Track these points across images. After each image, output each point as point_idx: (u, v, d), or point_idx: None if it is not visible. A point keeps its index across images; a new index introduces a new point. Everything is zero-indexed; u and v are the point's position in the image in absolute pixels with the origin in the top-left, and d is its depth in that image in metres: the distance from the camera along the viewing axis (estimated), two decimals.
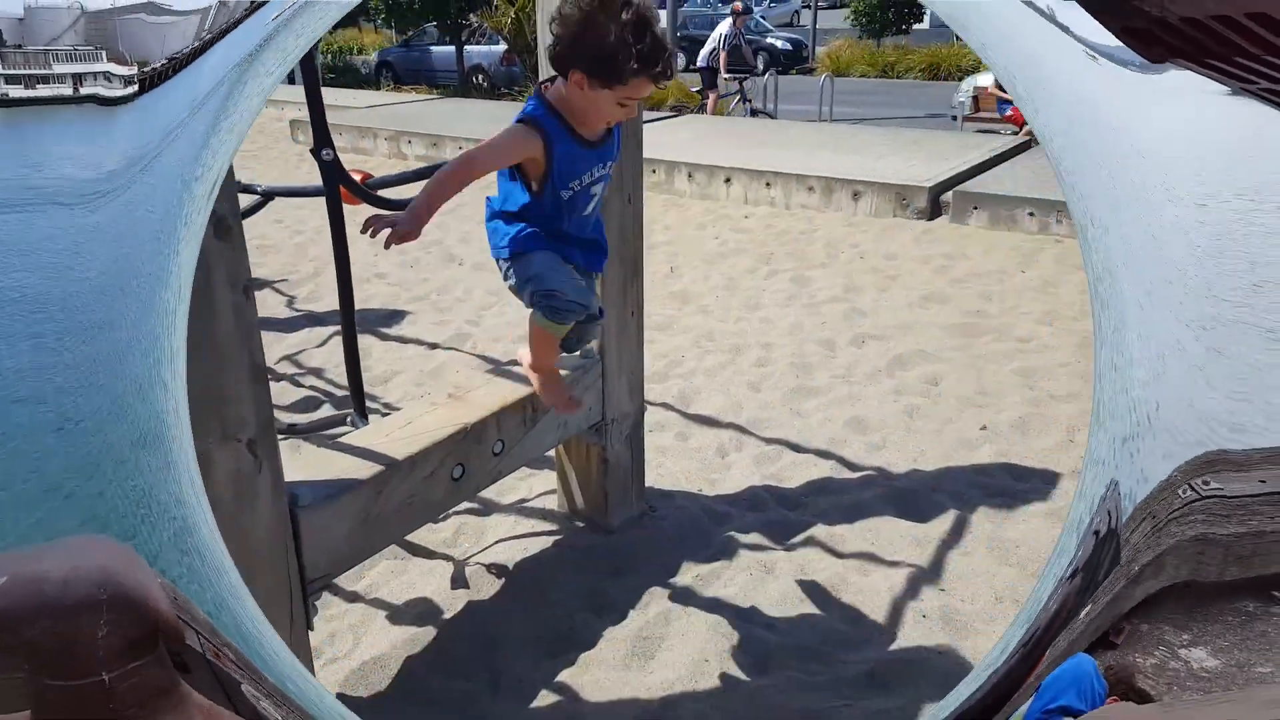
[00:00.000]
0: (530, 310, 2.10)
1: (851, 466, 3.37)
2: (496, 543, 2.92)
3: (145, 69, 1.41)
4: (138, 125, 1.44)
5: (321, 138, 2.51)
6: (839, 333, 4.53)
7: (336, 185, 2.59)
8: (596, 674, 2.36)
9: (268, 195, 3.27)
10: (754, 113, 10.82)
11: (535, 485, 3.27)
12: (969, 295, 4.95)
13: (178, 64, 1.43)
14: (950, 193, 6.31)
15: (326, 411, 3.73)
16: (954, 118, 10.06)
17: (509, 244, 1.99)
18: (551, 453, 3.24)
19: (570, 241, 2.04)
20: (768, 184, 6.79)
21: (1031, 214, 5.94)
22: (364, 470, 2.19)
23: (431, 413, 2.47)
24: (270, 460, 1.89)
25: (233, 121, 1.56)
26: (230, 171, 1.66)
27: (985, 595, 2.64)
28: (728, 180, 6.95)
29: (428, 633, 2.52)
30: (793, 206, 6.69)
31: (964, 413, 3.72)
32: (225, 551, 1.43)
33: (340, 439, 2.35)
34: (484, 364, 4.24)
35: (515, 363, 2.55)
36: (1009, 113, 9.02)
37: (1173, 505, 1.21)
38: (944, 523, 3.00)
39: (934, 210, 6.35)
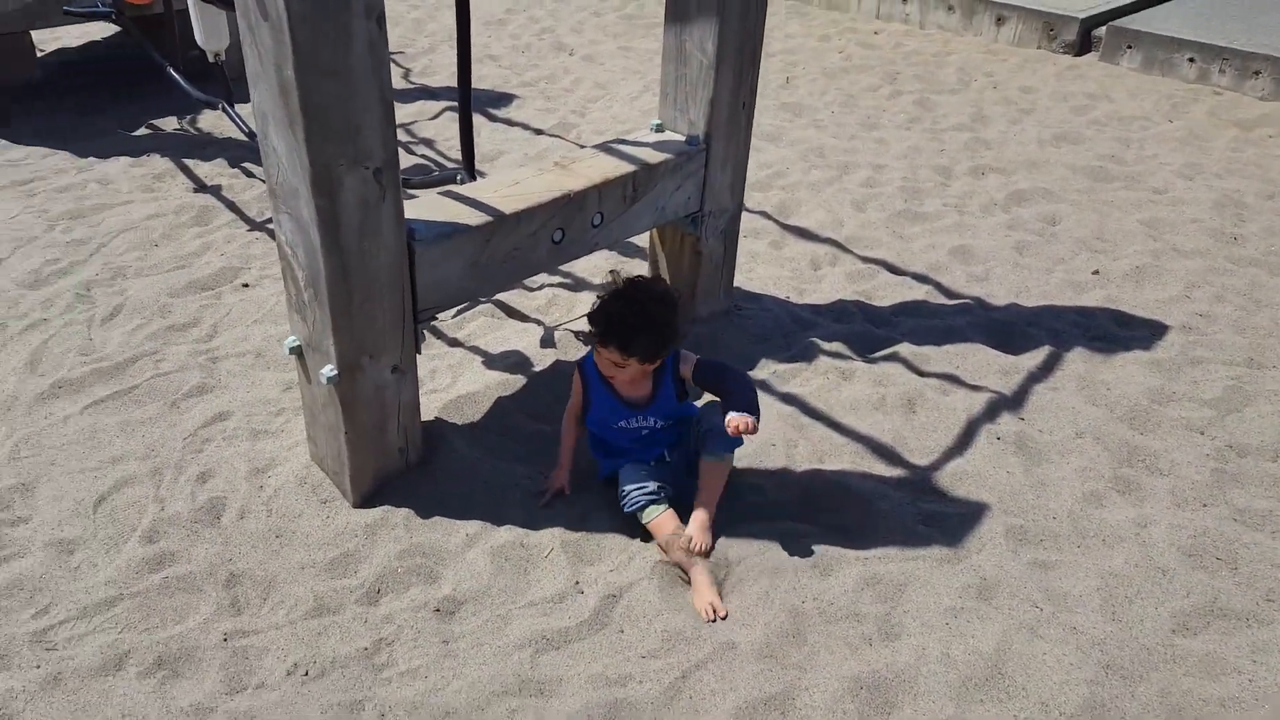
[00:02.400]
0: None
1: (948, 293, 3.29)
2: (585, 315, 3.01)
3: None
4: None
5: None
6: (958, 161, 4.31)
7: None
8: None
9: None
10: None
11: (627, 271, 3.31)
12: (1105, 139, 4.60)
13: None
14: (1105, 27, 5.73)
15: None
16: None
17: (601, 477, 2.34)
18: (644, 244, 3.26)
19: (634, 453, 2.29)
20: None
21: (1192, 59, 5.37)
22: (474, 218, 2.26)
23: (539, 177, 2.50)
24: (393, 191, 1.96)
25: None
26: None
27: (1066, 429, 2.62)
28: None
29: (518, 380, 2.68)
30: (928, 26, 6.20)
31: (1078, 255, 3.55)
32: None
33: (452, 191, 2.41)
34: None
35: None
36: None
37: None
38: (1035, 357, 2.93)
39: (1083, 45, 5.80)
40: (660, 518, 2.14)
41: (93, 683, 1.82)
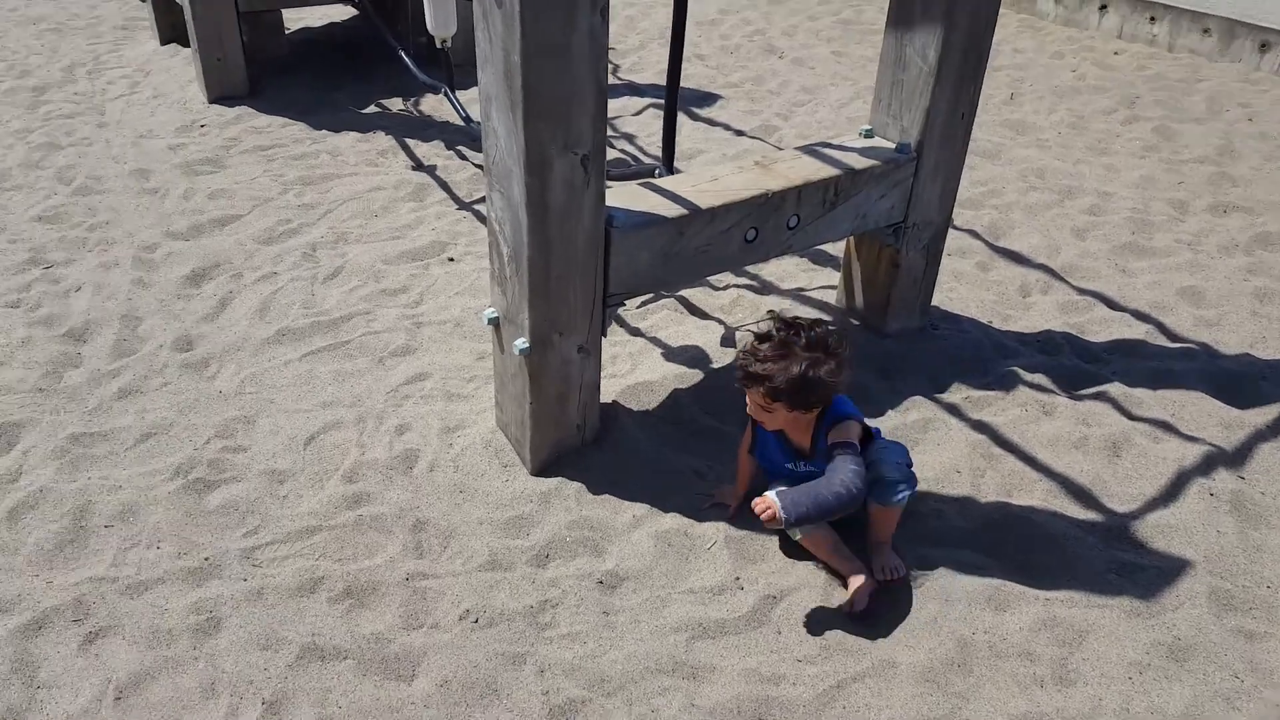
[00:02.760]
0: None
1: (1171, 335, 3.01)
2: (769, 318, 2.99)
3: None
4: None
5: None
6: (1197, 196, 3.93)
7: None
8: None
9: None
10: None
11: (817, 279, 3.26)
12: None
13: None
14: None
15: None
16: None
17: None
18: (839, 251, 3.19)
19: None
20: (1152, 18, 5.79)
21: None
22: (670, 211, 2.29)
23: (738, 175, 2.50)
24: (597, 178, 2.03)
25: None
26: None
27: None
28: (1103, 7, 6.02)
29: (695, 374, 2.70)
30: (1177, 49, 5.69)
31: None
32: None
33: (650, 182, 2.45)
34: None
35: None
36: None
37: None
38: (1265, 414, 2.63)
39: None
40: (811, 533, 2.07)
41: (289, 601, 2.00)
